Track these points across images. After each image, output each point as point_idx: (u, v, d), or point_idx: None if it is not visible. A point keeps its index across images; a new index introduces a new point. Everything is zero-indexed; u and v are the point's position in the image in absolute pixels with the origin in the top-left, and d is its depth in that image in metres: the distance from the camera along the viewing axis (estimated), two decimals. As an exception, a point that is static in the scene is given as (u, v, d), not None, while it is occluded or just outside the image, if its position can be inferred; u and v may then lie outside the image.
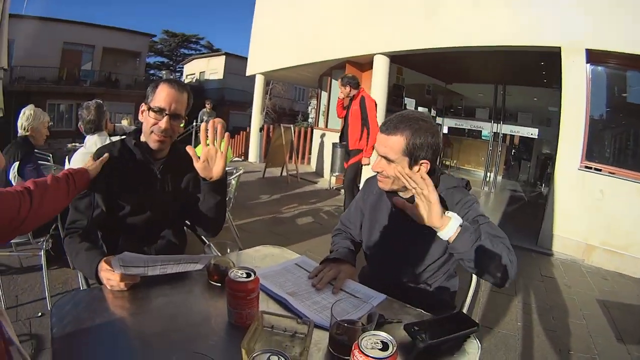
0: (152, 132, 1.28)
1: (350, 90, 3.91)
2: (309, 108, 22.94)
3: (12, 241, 2.19)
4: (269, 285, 1.01)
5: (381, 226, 1.30)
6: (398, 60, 6.14)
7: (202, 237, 1.53)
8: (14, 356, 0.84)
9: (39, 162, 2.90)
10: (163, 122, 1.25)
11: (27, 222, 0.98)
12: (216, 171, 1.23)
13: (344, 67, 6.69)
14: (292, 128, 7.43)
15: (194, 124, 8.28)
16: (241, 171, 3.23)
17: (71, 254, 1.21)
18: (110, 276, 1.01)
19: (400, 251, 1.25)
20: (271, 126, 9.20)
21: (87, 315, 0.89)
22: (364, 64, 6.46)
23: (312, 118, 19.48)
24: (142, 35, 22.34)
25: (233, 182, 3.14)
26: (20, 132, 2.67)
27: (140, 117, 1.33)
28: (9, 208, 0.93)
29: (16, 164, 2.47)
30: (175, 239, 1.39)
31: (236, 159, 9.80)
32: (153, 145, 1.29)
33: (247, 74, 9.50)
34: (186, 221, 1.47)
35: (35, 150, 2.77)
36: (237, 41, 67.37)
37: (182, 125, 1.36)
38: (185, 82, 25.31)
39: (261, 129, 9.21)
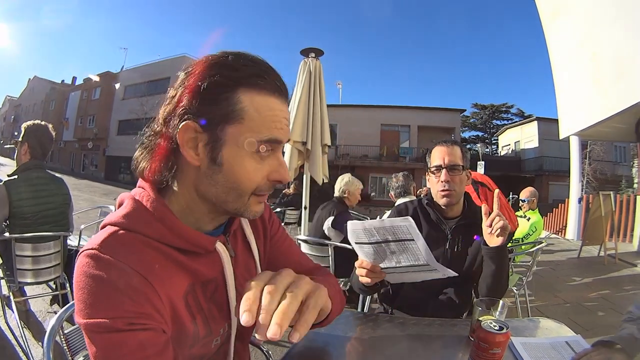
0: (437, 190, 1.35)
1: None
2: (633, 170, 17.33)
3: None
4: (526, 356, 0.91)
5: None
6: None
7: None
8: None
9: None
10: (442, 175, 1.32)
11: None
12: (494, 241, 1.18)
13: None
14: (612, 195, 6.15)
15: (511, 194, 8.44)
16: (542, 245, 2.86)
17: (352, 277, 1.31)
18: (361, 268, 1.06)
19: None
20: (590, 196, 7.93)
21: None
22: None
23: (637, 183, 15.10)
24: (453, 111, 22.88)
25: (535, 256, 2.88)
26: (337, 193, 3.00)
27: (428, 184, 1.43)
28: None
29: (331, 218, 2.80)
30: (456, 297, 1.34)
31: (553, 235, 8.98)
32: (441, 201, 1.35)
33: (560, 137, 8.70)
34: (474, 283, 1.36)
35: (351, 211, 3.03)
36: (550, 102, 60.32)
37: (468, 180, 1.39)
38: (502, 154, 26.56)
39: (580, 200, 8.17)
